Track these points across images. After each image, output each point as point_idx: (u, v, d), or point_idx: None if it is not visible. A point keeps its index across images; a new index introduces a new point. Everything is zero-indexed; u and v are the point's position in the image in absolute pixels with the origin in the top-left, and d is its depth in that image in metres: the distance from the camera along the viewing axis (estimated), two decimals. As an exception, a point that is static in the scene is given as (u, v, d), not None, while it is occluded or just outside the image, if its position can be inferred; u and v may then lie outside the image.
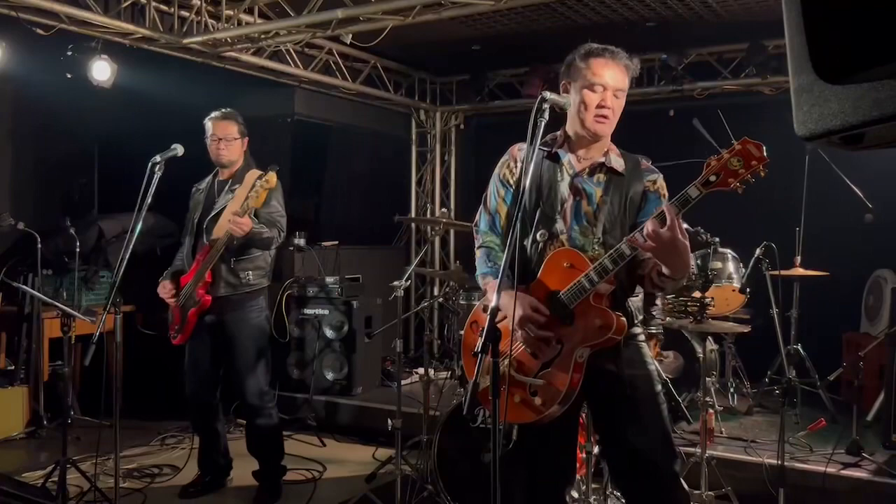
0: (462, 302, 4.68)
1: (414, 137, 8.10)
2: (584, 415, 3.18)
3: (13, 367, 5.38)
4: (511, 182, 2.55)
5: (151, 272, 4.21)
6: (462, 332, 2.66)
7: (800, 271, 5.01)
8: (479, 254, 2.61)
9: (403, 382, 4.70)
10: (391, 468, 4.14)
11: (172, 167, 3.32)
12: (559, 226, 2.42)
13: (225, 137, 3.97)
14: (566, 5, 5.40)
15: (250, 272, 3.97)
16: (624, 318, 2.33)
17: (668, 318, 4.16)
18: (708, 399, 3.76)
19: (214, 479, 4.25)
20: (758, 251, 4.22)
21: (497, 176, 2.59)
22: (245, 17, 5.37)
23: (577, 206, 2.43)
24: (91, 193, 6.98)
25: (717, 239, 4.63)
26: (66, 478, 3.68)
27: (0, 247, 5.80)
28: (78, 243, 5.49)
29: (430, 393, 4.22)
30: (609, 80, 2.36)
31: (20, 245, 5.64)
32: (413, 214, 7.93)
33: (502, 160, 2.60)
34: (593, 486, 3.46)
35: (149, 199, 3.18)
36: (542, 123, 2.18)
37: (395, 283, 4.12)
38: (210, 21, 5.35)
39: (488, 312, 2.02)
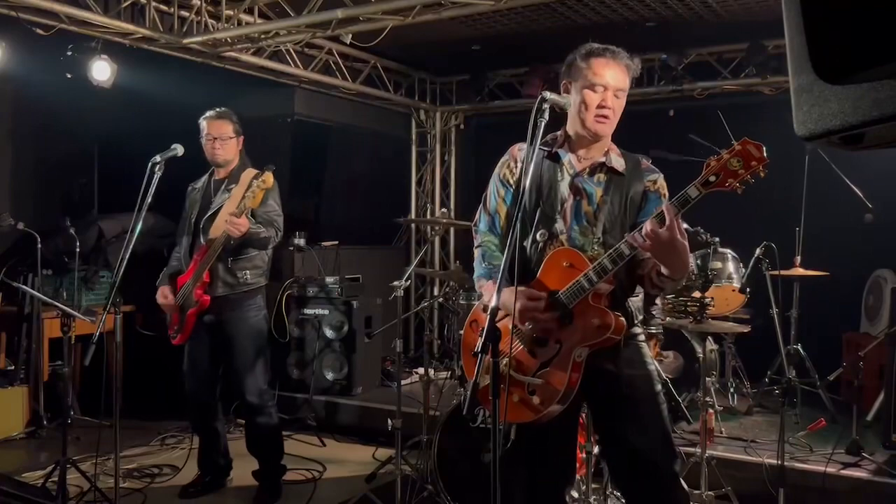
0: (462, 302, 4.68)
1: (414, 137, 8.10)
2: (584, 415, 3.18)
3: (13, 367, 5.38)
4: (511, 182, 2.55)
5: (151, 272, 4.21)
6: (462, 332, 2.66)
7: (800, 271, 5.01)
8: (476, 254, 2.61)
9: (403, 382, 4.70)
10: (391, 468, 4.14)
11: (172, 167, 3.32)
12: (559, 225, 2.42)
13: (220, 137, 3.97)
14: (566, 5, 5.40)
15: (248, 271, 3.97)
16: (623, 318, 2.33)
17: (668, 318, 4.16)
18: (708, 399, 3.76)
19: (214, 479, 4.25)
20: (758, 251, 4.22)
21: (497, 176, 2.59)
22: (245, 17, 5.37)
23: (577, 205, 2.42)
24: (91, 193, 6.98)
25: (717, 239, 4.63)
26: (66, 478, 3.68)
27: (0, 247, 5.80)
28: (78, 243, 5.49)
29: (430, 393, 4.22)
30: (610, 80, 2.36)
31: (20, 245, 5.64)
32: (413, 214, 7.93)
33: (502, 160, 2.60)
34: (593, 486, 3.46)
35: (149, 199, 3.18)
36: (542, 123, 2.18)
37: (395, 283, 4.12)
38: (210, 21, 5.35)
39: (488, 312, 2.02)
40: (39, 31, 4.78)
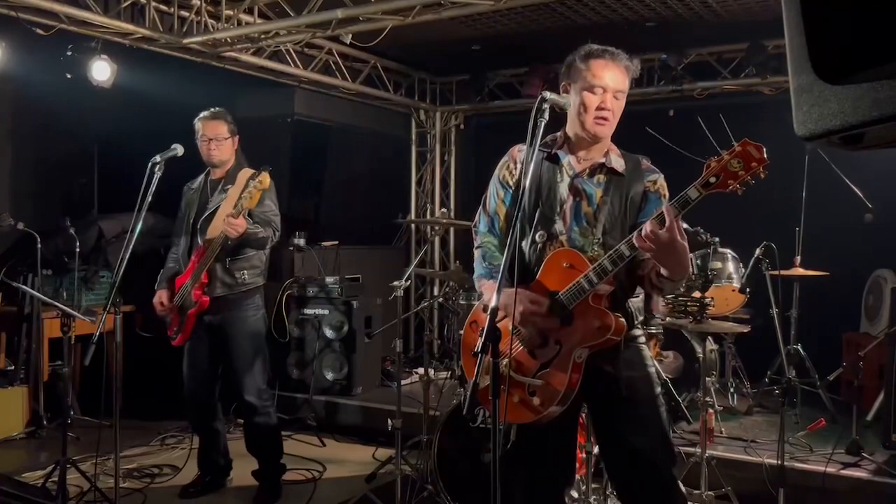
0: (462, 302, 4.68)
1: (414, 137, 8.10)
2: (583, 415, 3.18)
3: (13, 367, 5.38)
4: (510, 183, 2.55)
5: (151, 272, 4.21)
6: (462, 332, 2.66)
7: (800, 271, 5.01)
8: (476, 254, 2.61)
9: (403, 382, 4.70)
10: (391, 468, 4.14)
11: (172, 167, 3.32)
12: (558, 226, 2.42)
13: (215, 137, 3.96)
14: (566, 5, 5.40)
15: (246, 271, 3.97)
16: (623, 320, 2.32)
17: (668, 318, 4.16)
18: (708, 399, 3.76)
19: (214, 479, 4.25)
20: (758, 251, 4.22)
21: (497, 177, 2.59)
22: (245, 17, 5.37)
23: (576, 206, 2.42)
24: (91, 193, 6.98)
25: (717, 239, 4.63)
26: (66, 478, 3.68)
27: (0, 247, 5.80)
28: (78, 243, 5.49)
29: (430, 393, 4.22)
30: (609, 81, 2.36)
31: (20, 245, 5.63)
32: (413, 214, 7.93)
33: (502, 161, 2.60)
34: (593, 486, 3.46)
35: (149, 199, 3.19)
36: (542, 123, 2.18)
37: (395, 283, 4.12)
38: (210, 21, 5.35)
39: (488, 312, 2.01)
40: (39, 31, 4.78)
